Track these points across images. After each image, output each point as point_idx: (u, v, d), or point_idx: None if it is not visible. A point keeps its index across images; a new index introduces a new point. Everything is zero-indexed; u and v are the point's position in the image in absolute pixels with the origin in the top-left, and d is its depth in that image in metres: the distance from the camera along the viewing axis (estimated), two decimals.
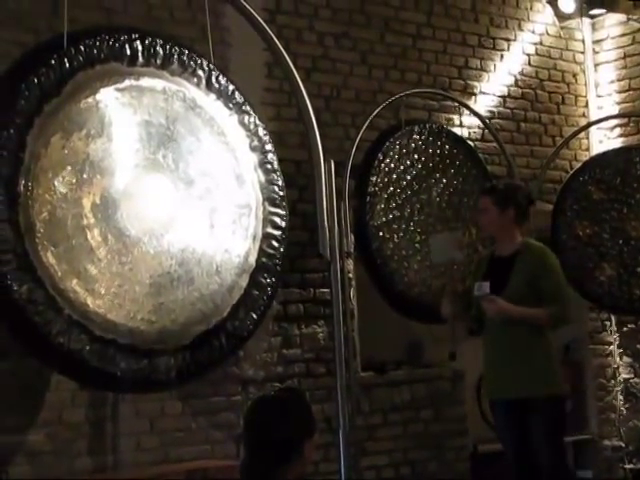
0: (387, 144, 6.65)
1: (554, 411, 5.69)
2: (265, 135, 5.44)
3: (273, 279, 5.39)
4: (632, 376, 8.36)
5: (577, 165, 8.14)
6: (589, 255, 7.62)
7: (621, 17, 8.53)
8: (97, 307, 4.62)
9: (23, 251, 4.50)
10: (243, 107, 5.37)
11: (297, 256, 6.40)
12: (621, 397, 8.34)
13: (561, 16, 8.47)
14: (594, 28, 8.66)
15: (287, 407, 3.29)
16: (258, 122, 5.43)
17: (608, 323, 8.39)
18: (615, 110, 8.50)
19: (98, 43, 4.85)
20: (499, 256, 5.79)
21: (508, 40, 8.15)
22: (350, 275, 6.66)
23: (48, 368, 5.11)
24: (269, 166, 5.42)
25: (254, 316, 5.34)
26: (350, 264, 6.64)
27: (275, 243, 5.40)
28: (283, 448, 3.21)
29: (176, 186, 5.04)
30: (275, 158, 5.46)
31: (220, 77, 5.31)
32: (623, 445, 8.25)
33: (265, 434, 3.21)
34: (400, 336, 7.38)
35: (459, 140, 7.21)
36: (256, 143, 5.39)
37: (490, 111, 7.90)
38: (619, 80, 8.53)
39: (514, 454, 5.80)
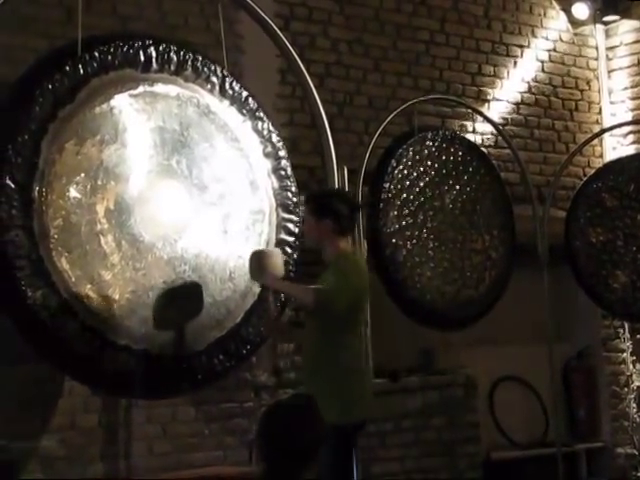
0: (400, 151, 6.64)
1: (329, 443, 4.49)
2: (279, 141, 5.45)
3: None
4: None
5: (590, 172, 8.12)
6: (602, 262, 7.60)
7: (635, 24, 8.52)
8: (111, 312, 4.63)
9: (37, 257, 4.52)
10: (257, 113, 5.38)
11: (310, 263, 6.37)
12: (634, 405, 8.30)
13: (574, 22, 8.46)
14: (608, 35, 8.64)
15: (305, 414, 3.28)
16: (272, 128, 5.43)
17: (621, 330, 8.36)
18: (629, 117, 8.48)
19: (112, 49, 4.87)
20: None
21: (521, 47, 8.14)
22: None
23: (61, 373, 5.12)
24: (283, 172, 5.43)
25: None
26: None
27: (288, 249, 5.40)
28: (303, 455, 3.20)
29: (190, 192, 5.05)
30: (289, 164, 5.46)
31: (234, 83, 5.33)
32: (636, 453, 8.22)
33: (285, 442, 3.20)
34: (412, 343, 7.36)
35: (472, 147, 7.19)
36: (270, 149, 5.40)
37: (503, 118, 7.89)
38: (633, 87, 8.51)
39: None
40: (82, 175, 4.75)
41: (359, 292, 5.01)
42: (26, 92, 4.63)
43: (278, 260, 5.04)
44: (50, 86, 4.64)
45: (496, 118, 7.70)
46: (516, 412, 7.86)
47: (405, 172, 6.64)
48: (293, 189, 5.48)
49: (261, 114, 5.40)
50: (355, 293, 4.93)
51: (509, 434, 7.78)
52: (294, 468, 3.18)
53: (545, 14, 8.32)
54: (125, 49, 4.92)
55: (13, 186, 4.48)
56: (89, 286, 4.63)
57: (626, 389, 8.35)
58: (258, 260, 4.95)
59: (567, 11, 8.42)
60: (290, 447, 3.19)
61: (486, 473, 7.31)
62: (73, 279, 4.61)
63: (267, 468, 3.22)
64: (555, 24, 8.37)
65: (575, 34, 8.48)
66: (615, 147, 8.50)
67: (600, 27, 8.60)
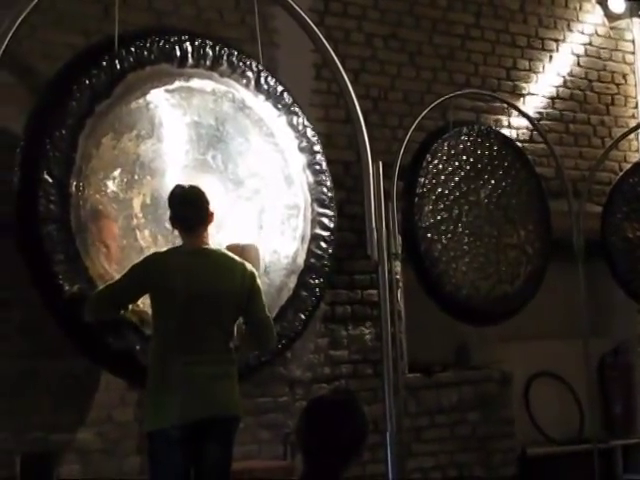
0: (435, 145, 6.62)
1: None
2: (314, 136, 5.45)
3: (321, 280, 5.40)
4: None
5: (627, 166, 8.07)
6: (639, 258, 7.54)
7: None
8: (147, 307, 4.66)
9: (74, 251, 4.55)
10: (292, 108, 5.39)
11: (345, 258, 6.39)
12: None
13: (611, 16, 8.41)
14: None
15: (349, 410, 3.27)
16: (307, 123, 5.44)
17: None
18: None
19: (148, 45, 4.90)
20: None
21: (557, 41, 8.09)
22: (398, 277, 6.64)
23: (98, 367, 5.16)
24: (318, 167, 5.43)
25: (302, 317, 5.35)
26: (398, 266, 6.61)
27: (323, 244, 5.40)
28: (347, 451, 3.20)
29: (225, 187, 5.07)
30: (324, 159, 5.47)
31: (269, 78, 5.34)
32: None
33: (330, 438, 3.18)
34: (447, 338, 7.36)
35: (507, 141, 7.16)
36: (305, 144, 5.41)
37: (539, 112, 7.85)
38: None
39: None
40: (119, 170, 4.79)
41: None
42: (64, 87, 4.67)
43: (253, 254, 4.97)
44: (87, 81, 4.68)
45: (531, 113, 7.66)
46: (551, 408, 7.83)
47: (440, 167, 6.62)
48: (328, 184, 5.49)
49: (296, 109, 5.41)
50: None
51: (544, 430, 7.75)
52: (336, 464, 3.17)
53: (581, 8, 8.27)
54: (161, 44, 4.95)
55: (51, 180, 4.52)
56: None
57: None
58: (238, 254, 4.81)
59: (603, 5, 8.36)
60: (333, 442, 3.17)
61: (521, 469, 7.28)
62: (110, 274, 4.64)
63: (308, 463, 3.21)
64: (591, 18, 8.32)
65: (611, 28, 8.43)
66: None
67: (637, 21, 8.54)
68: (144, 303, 4.65)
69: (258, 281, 4.70)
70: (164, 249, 4.70)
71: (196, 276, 4.50)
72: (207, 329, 4.51)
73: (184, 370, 4.42)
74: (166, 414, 4.41)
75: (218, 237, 4.93)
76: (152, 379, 4.50)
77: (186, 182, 4.76)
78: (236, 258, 4.66)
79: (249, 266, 4.68)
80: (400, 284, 6.72)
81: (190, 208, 4.58)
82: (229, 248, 4.84)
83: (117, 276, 4.58)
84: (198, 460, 4.49)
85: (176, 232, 4.68)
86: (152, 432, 4.47)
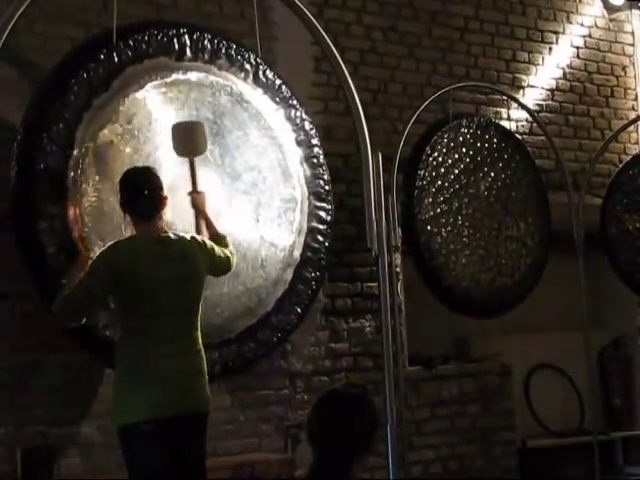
0: (435, 138, 6.62)
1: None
2: (311, 129, 5.46)
3: (318, 273, 5.40)
4: None
5: (626, 159, 8.07)
6: (638, 249, 7.54)
7: None
8: None
9: (71, 244, 4.55)
10: (290, 101, 5.39)
11: (345, 250, 6.40)
12: None
13: (610, 8, 8.39)
14: None
15: (361, 404, 3.27)
16: (304, 116, 5.44)
17: None
18: None
19: (147, 38, 4.89)
20: None
21: (556, 33, 8.08)
22: (398, 269, 6.65)
23: (98, 361, 5.16)
24: (315, 160, 5.44)
25: (299, 310, 5.36)
26: (398, 258, 6.62)
27: (320, 237, 5.41)
28: (358, 446, 3.20)
29: (222, 180, 5.07)
30: (321, 152, 5.47)
31: (267, 71, 5.34)
32: None
33: (342, 431, 3.18)
34: (448, 330, 7.37)
35: (507, 134, 7.16)
36: (302, 137, 5.41)
37: (538, 104, 7.84)
38: None
39: None
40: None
41: None
42: (62, 81, 4.66)
43: (202, 133, 4.86)
44: (85, 75, 4.68)
45: (531, 105, 7.65)
46: (552, 400, 7.84)
47: (440, 159, 6.62)
48: (325, 177, 5.49)
49: (294, 102, 5.41)
50: None
51: (545, 422, 7.75)
52: (346, 458, 3.17)
53: (580, 0, 8.25)
54: (160, 37, 4.95)
55: (48, 174, 4.51)
56: None
57: None
58: (185, 133, 4.79)
59: None
60: (344, 436, 3.17)
61: (521, 461, 7.29)
62: None
63: (319, 456, 3.20)
64: (590, 10, 8.31)
65: (610, 20, 8.41)
66: None
67: (636, 12, 8.52)
68: None
69: (207, 242, 4.60)
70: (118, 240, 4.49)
71: (163, 263, 4.36)
72: (177, 318, 4.40)
73: (151, 362, 4.32)
74: (131, 408, 4.31)
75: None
76: (120, 370, 4.39)
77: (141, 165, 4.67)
78: (189, 237, 4.53)
79: (199, 237, 4.60)
80: (400, 277, 6.72)
81: (143, 197, 4.38)
82: (177, 126, 4.79)
83: None
84: (176, 459, 4.34)
85: (175, 226, 4.70)
86: (120, 428, 4.34)
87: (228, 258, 4.74)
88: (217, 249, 4.66)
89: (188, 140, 4.83)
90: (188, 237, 4.53)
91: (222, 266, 4.72)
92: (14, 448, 5.12)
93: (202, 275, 4.54)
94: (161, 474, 4.29)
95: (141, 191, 4.38)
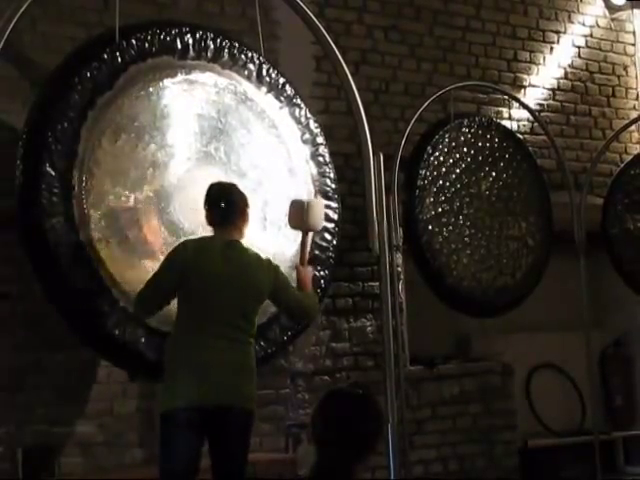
0: (436, 137, 6.61)
1: None
2: (316, 128, 5.45)
3: (326, 272, 5.39)
4: None
5: (628, 158, 8.06)
6: None
7: None
8: None
9: (78, 243, 4.55)
10: (294, 100, 5.38)
11: (346, 250, 6.39)
12: None
13: (611, 8, 8.39)
14: None
15: (365, 404, 3.27)
16: (309, 115, 5.43)
17: None
18: None
19: (150, 37, 4.88)
20: None
21: (558, 32, 8.09)
22: (399, 269, 6.65)
23: (102, 359, 5.16)
24: (321, 159, 5.43)
25: None
26: (399, 258, 6.62)
27: (328, 236, 5.39)
28: (362, 446, 3.20)
29: (228, 178, 5.05)
30: (327, 151, 5.46)
31: (270, 70, 5.33)
32: None
33: (346, 431, 3.18)
34: (448, 330, 7.37)
35: (508, 133, 7.16)
36: (308, 136, 5.40)
37: (539, 104, 7.85)
38: None
39: None
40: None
41: None
42: (65, 80, 4.66)
43: (317, 210, 5.01)
44: (88, 74, 4.66)
45: (532, 104, 7.66)
46: (553, 399, 7.83)
47: (441, 159, 6.61)
48: (332, 175, 5.48)
49: (298, 101, 5.40)
50: None
51: (546, 421, 7.75)
52: (350, 457, 3.16)
53: None
54: (162, 36, 4.94)
55: (53, 173, 4.51)
56: (129, 272, 4.65)
57: None
58: (300, 209, 4.93)
59: None
60: (348, 436, 3.16)
61: (522, 460, 7.29)
62: (114, 265, 4.63)
63: (322, 455, 3.19)
64: (592, 9, 8.31)
65: (612, 19, 8.41)
66: None
67: (638, 12, 8.53)
68: None
69: (281, 271, 4.76)
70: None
71: (225, 263, 4.54)
72: (230, 316, 4.53)
73: (199, 353, 4.43)
74: (175, 396, 4.41)
75: None
76: (168, 362, 4.49)
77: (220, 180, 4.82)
78: (264, 256, 4.70)
79: (273, 262, 4.73)
80: (401, 276, 6.72)
81: (221, 204, 4.62)
82: (294, 203, 4.94)
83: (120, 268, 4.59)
84: (213, 451, 4.52)
85: (182, 225, 4.72)
86: (162, 414, 4.45)
87: (306, 299, 4.84)
88: (293, 288, 4.81)
89: (304, 216, 4.93)
90: (262, 256, 4.69)
91: (294, 303, 4.80)
92: (15, 447, 5.12)
93: (260, 289, 4.64)
94: (187, 463, 4.40)
95: (217, 203, 4.62)
